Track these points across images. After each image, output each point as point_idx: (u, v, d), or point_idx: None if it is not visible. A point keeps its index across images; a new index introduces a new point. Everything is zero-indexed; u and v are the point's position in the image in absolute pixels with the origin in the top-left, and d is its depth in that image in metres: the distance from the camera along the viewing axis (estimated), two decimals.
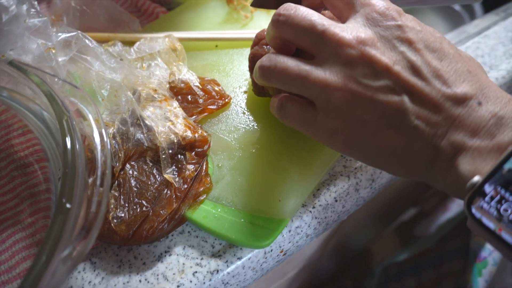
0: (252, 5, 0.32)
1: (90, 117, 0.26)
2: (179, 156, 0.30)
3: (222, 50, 0.39)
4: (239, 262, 0.28)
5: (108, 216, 0.27)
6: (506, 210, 0.19)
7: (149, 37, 0.37)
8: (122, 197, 0.28)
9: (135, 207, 0.28)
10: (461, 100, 0.22)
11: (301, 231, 0.31)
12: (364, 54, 0.23)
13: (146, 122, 0.31)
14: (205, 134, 0.31)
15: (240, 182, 0.30)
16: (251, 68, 0.33)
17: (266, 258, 0.30)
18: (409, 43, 0.23)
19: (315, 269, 0.70)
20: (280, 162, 0.31)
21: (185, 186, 0.29)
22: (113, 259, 0.28)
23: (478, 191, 0.20)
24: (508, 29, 0.46)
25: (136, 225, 0.27)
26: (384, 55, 0.23)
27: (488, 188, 0.20)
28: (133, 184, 0.29)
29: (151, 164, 0.30)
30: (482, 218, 0.20)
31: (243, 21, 0.42)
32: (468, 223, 0.21)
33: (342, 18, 0.26)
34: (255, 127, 0.33)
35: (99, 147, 0.24)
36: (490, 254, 0.46)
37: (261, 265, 0.30)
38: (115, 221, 0.27)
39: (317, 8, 0.28)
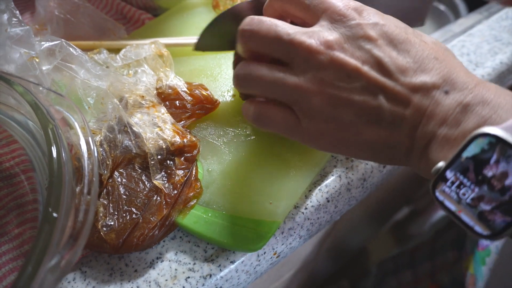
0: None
1: (76, 125, 0.26)
2: (168, 162, 0.30)
3: (209, 55, 0.39)
4: (232, 266, 0.28)
5: (97, 225, 0.27)
6: (464, 194, 0.20)
7: (135, 44, 0.37)
8: (111, 205, 0.28)
9: (124, 214, 0.28)
10: (429, 90, 0.22)
11: (294, 232, 0.31)
12: (333, 59, 0.23)
13: (134, 128, 0.30)
14: (194, 139, 0.31)
15: (231, 186, 0.30)
16: None
17: (259, 260, 0.30)
18: (372, 40, 0.23)
19: (311, 271, 0.70)
20: (270, 165, 0.31)
21: (175, 191, 0.29)
22: (104, 268, 0.28)
23: (441, 177, 0.21)
24: (492, 27, 0.47)
25: (126, 233, 0.27)
26: (352, 57, 0.23)
27: (449, 174, 0.21)
28: (122, 192, 0.29)
29: (140, 170, 0.30)
30: (445, 200, 0.21)
31: None
32: (436, 203, 0.22)
33: (307, 25, 0.26)
34: (244, 130, 0.33)
35: (85, 155, 0.24)
36: (492, 242, 0.46)
37: (255, 268, 0.30)
38: (104, 229, 0.27)
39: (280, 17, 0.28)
